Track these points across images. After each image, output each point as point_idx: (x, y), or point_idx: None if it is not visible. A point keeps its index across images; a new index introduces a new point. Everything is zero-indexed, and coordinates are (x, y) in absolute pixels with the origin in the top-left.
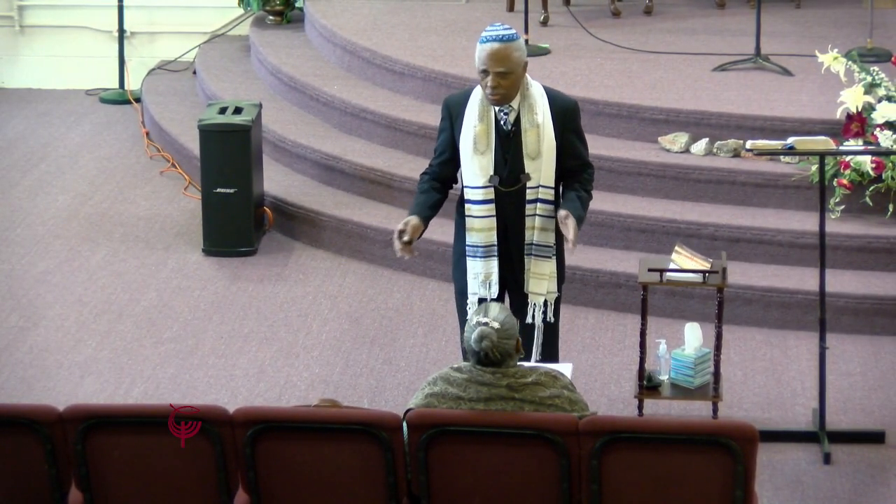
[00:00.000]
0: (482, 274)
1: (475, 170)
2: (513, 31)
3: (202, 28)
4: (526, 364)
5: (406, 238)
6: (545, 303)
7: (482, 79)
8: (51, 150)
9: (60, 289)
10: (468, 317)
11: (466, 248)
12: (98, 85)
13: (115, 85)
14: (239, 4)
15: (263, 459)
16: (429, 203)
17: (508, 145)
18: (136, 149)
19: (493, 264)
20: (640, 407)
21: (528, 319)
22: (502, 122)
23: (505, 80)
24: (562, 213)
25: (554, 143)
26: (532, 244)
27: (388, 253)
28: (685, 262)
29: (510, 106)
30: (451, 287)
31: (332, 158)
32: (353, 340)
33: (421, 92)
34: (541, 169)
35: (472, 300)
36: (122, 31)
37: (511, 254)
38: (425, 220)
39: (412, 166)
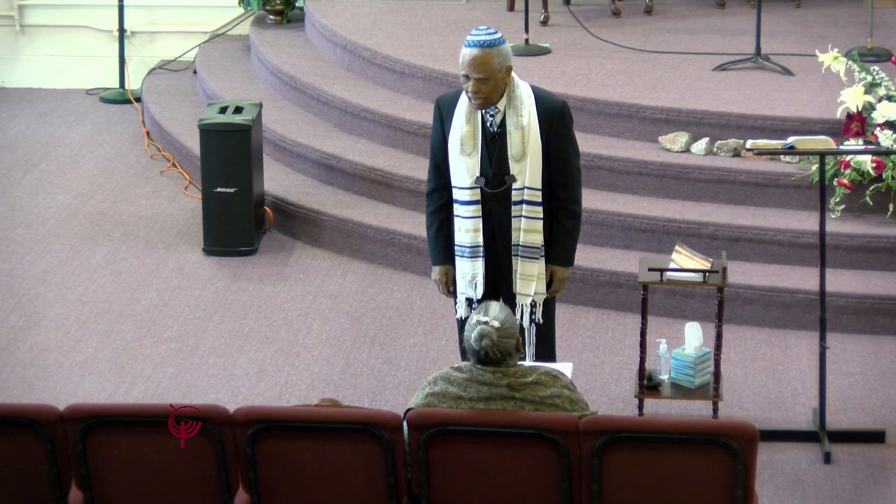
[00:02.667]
0: (469, 274)
1: (462, 171)
2: (497, 36)
3: (202, 28)
4: (526, 363)
5: (452, 288)
6: (533, 304)
7: (464, 83)
8: (51, 150)
9: (61, 288)
10: (461, 315)
11: (455, 247)
12: (98, 84)
13: (116, 84)
14: (239, 4)
15: (264, 459)
16: (445, 246)
17: (494, 147)
18: (137, 148)
19: (479, 265)
20: (641, 406)
21: (517, 320)
22: (488, 124)
23: (485, 86)
24: (550, 269)
25: (539, 144)
26: (519, 245)
27: (388, 252)
28: (685, 261)
29: (496, 108)
30: None
31: (332, 158)
32: (353, 340)
33: (421, 91)
34: (526, 171)
35: (459, 300)
36: (122, 30)
37: (498, 255)
38: (451, 262)
39: (412, 166)
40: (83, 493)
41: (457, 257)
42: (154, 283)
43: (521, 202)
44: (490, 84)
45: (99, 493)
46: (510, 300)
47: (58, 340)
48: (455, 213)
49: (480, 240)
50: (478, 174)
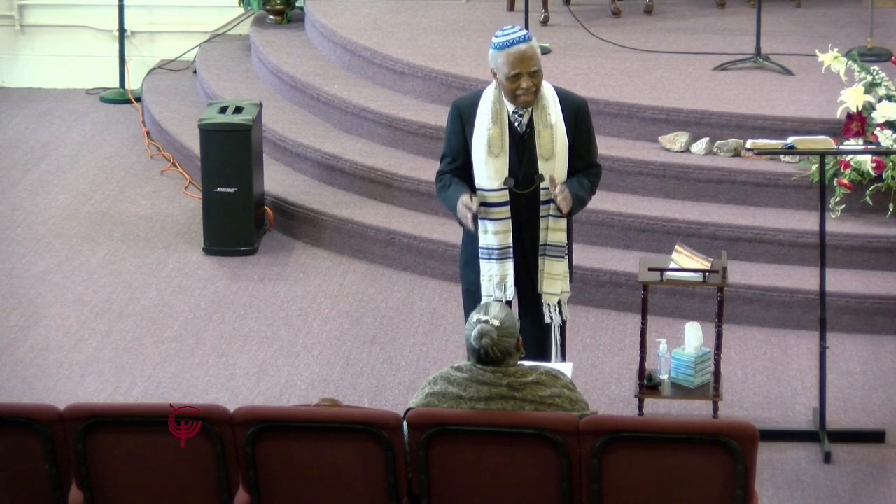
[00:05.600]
0: (497, 276)
1: (490, 172)
2: (527, 31)
3: (202, 27)
4: (527, 363)
5: (475, 208)
6: (559, 303)
7: (511, 83)
8: (51, 150)
9: (61, 288)
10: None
11: (480, 250)
12: (99, 84)
13: (116, 84)
14: (239, 4)
15: (264, 459)
16: (468, 189)
17: (523, 147)
18: (137, 148)
19: (509, 266)
20: (641, 406)
21: (546, 320)
22: (516, 124)
23: (536, 79)
24: (552, 181)
25: (567, 143)
26: (546, 244)
27: (388, 252)
28: (685, 261)
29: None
30: (452, 286)
31: (332, 158)
32: (353, 340)
33: (421, 91)
34: (554, 169)
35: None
36: (122, 30)
37: (525, 255)
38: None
39: (412, 165)
40: (83, 493)
41: (483, 259)
42: (154, 283)
43: (548, 201)
44: (540, 76)
45: (99, 493)
46: (534, 300)
47: (58, 340)
48: (482, 215)
49: (510, 241)
50: (506, 175)
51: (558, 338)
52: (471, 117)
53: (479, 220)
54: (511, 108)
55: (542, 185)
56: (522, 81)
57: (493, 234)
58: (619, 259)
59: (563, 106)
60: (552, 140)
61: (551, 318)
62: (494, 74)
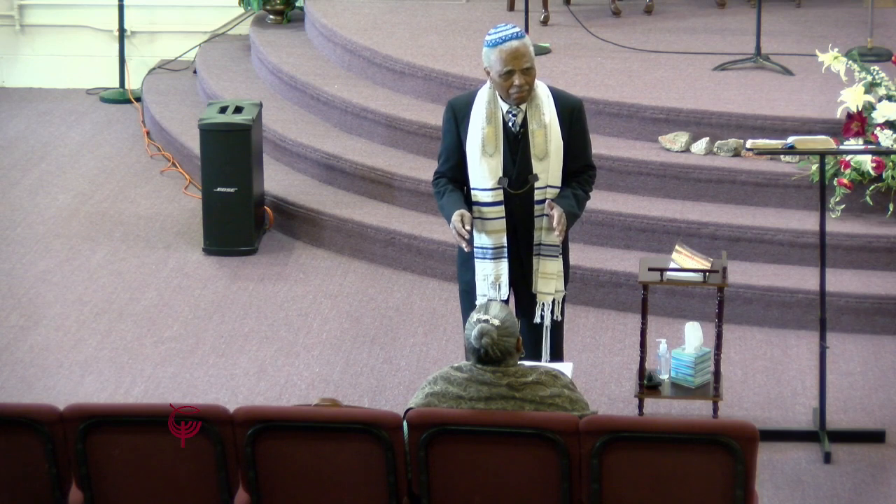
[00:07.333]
0: (492, 275)
1: (484, 172)
2: (520, 28)
3: (202, 27)
4: (526, 363)
5: (468, 227)
6: (553, 302)
7: (504, 81)
8: (51, 150)
9: (61, 288)
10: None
11: (475, 249)
12: (98, 84)
13: (116, 84)
14: (239, 4)
15: (264, 459)
16: (462, 199)
17: (517, 146)
18: (137, 148)
19: (504, 265)
20: (641, 406)
21: (537, 319)
22: (510, 124)
23: (529, 76)
24: (548, 203)
25: (561, 143)
26: (540, 244)
27: (388, 252)
28: (685, 261)
29: (518, 107)
30: (452, 286)
31: (332, 158)
32: (353, 340)
33: (421, 91)
34: (548, 169)
35: (480, 302)
36: (122, 30)
37: (520, 254)
38: (467, 208)
39: (412, 165)
40: (83, 493)
41: (477, 259)
42: (154, 283)
43: (543, 201)
44: (533, 73)
45: (99, 493)
46: (528, 299)
47: (58, 340)
48: (476, 215)
49: (504, 240)
50: (500, 175)
51: (549, 337)
52: (465, 117)
53: (475, 220)
54: (505, 107)
55: (537, 184)
56: (515, 78)
57: (488, 234)
58: (619, 259)
59: (558, 106)
60: (546, 140)
61: (542, 317)
62: (488, 72)
